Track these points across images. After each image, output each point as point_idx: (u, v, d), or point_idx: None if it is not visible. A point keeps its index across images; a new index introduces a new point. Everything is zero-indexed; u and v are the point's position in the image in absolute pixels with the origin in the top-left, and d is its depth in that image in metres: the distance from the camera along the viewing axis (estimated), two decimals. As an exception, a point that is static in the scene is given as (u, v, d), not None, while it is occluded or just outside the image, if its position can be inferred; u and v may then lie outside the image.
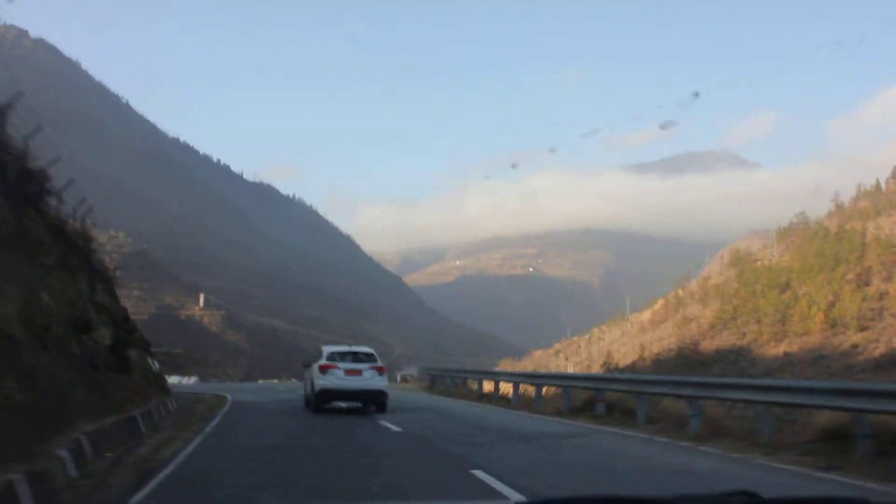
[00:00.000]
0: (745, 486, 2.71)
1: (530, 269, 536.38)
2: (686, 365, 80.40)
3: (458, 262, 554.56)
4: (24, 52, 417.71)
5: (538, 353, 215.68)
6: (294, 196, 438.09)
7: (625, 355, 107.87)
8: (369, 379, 24.48)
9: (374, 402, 24.68)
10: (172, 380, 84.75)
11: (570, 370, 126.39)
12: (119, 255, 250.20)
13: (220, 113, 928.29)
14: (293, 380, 79.91)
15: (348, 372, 24.34)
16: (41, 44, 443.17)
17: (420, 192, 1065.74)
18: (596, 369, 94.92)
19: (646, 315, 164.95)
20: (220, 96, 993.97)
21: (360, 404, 25.02)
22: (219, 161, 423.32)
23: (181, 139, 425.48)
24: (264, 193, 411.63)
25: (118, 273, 41.61)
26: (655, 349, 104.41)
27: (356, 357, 25.20)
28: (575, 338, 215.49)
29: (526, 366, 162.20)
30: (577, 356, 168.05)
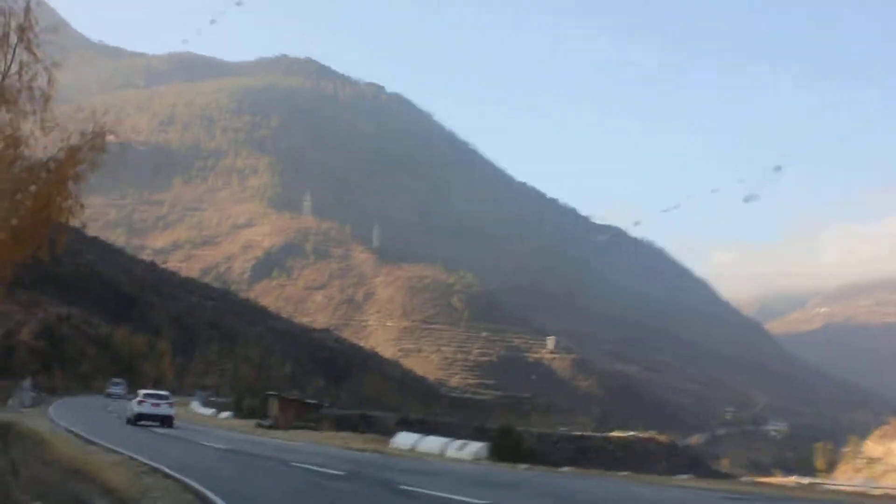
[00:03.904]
0: None
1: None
2: None
3: (822, 310, 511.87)
4: (382, 106, 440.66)
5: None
6: (643, 238, 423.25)
7: None
8: (166, 408, 41.07)
9: (165, 422, 40.42)
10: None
11: None
12: (467, 296, 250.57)
13: (566, 157, 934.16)
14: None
15: (153, 405, 40.81)
16: (396, 98, 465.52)
17: (771, 234, 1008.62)
18: None
19: None
20: (565, 140, 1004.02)
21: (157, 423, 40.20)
22: (566, 204, 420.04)
23: (528, 183, 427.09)
24: (612, 236, 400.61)
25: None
26: None
27: (158, 396, 42.40)
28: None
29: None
30: None
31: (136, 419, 40.18)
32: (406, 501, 15.66)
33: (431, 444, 37.06)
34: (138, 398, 41.83)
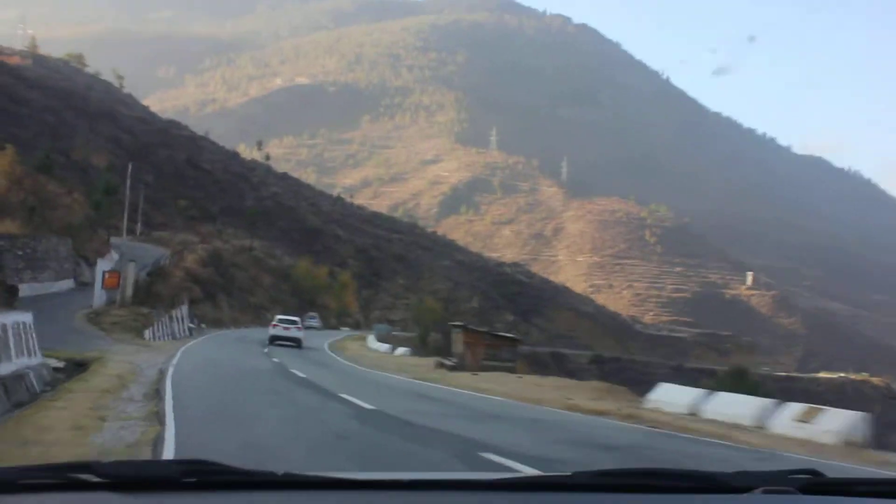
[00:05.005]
0: None
1: None
2: None
3: None
4: (568, 38, 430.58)
5: None
6: (849, 168, 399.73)
7: None
8: (295, 332, 47.38)
9: (296, 342, 46.38)
10: None
11: None
12: (660, 230, 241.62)
13: (765, 84, 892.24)
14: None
15: (284, 328, 47.54)
16: (584, 28, 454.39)
17: None
18: None
19: None
20: (764, 68, 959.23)
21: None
22: (764, 134, 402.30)
23: (723, 113, 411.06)
24: (815, 166, 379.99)
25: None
26: None
27: (289, 321, 49.01)
28: None
29: None
30: None
31: (271, 340, 46.55)
32: None
33: (730, 406, 19.57)
34: (273, 322, 49.25)
